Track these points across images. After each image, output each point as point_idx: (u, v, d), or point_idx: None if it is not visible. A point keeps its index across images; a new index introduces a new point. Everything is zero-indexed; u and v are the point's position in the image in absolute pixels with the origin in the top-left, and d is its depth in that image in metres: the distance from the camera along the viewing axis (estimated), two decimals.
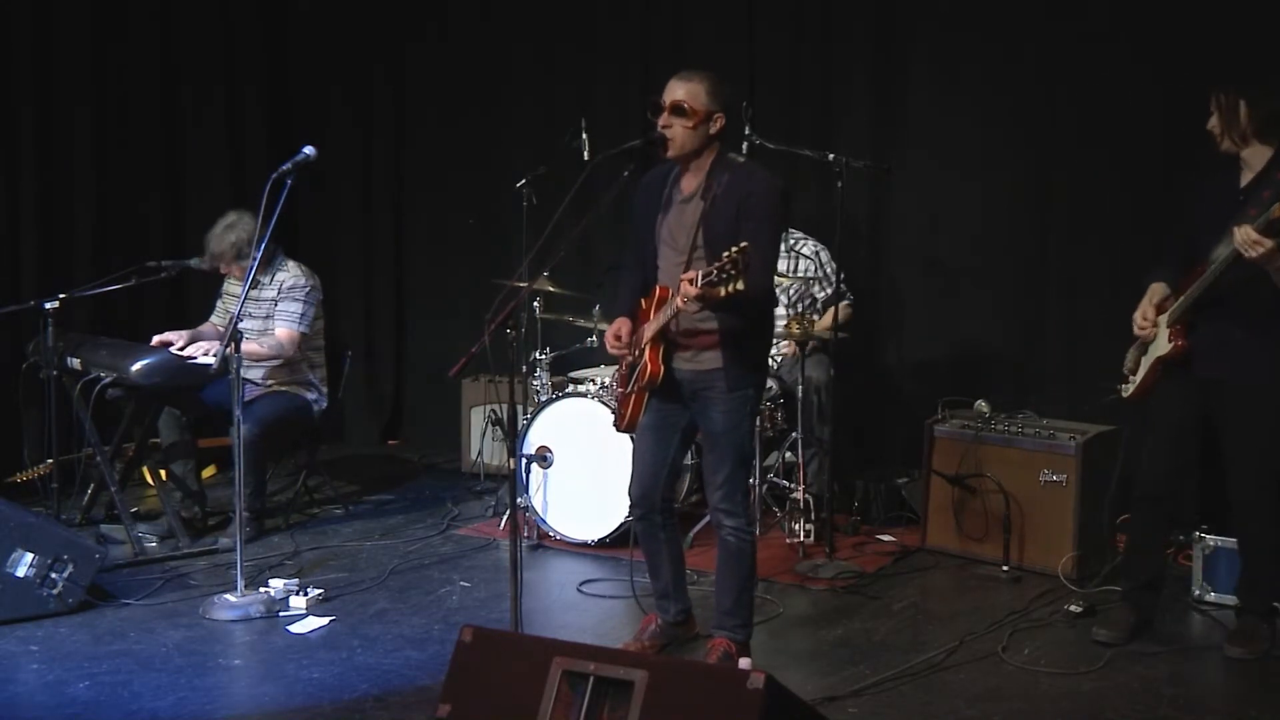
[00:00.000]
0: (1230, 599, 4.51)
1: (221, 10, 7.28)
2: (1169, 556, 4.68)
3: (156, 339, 5.56)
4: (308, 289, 5.68)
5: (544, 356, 5.93)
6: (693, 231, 3.87)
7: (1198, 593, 4.71)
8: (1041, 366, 5.92)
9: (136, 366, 5.22)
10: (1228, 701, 3.99)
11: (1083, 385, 5.38)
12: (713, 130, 3.87)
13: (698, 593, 4.48)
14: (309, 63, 7.67)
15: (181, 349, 5.48)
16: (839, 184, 5.27)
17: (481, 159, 7.35)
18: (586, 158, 5.87)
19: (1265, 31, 5.10)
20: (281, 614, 4.59)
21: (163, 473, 5.74)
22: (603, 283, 5.96)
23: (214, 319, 5.94)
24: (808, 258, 5.94)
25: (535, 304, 5.93)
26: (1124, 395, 4.42)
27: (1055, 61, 5.73)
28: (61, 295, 5.36)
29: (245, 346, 5.11)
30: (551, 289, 5.75)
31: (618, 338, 4.05)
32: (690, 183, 3.94)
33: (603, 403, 5.30)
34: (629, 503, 4.25)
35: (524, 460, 5.34)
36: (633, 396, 4.03)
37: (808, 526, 5.32)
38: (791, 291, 5.90)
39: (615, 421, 4.17)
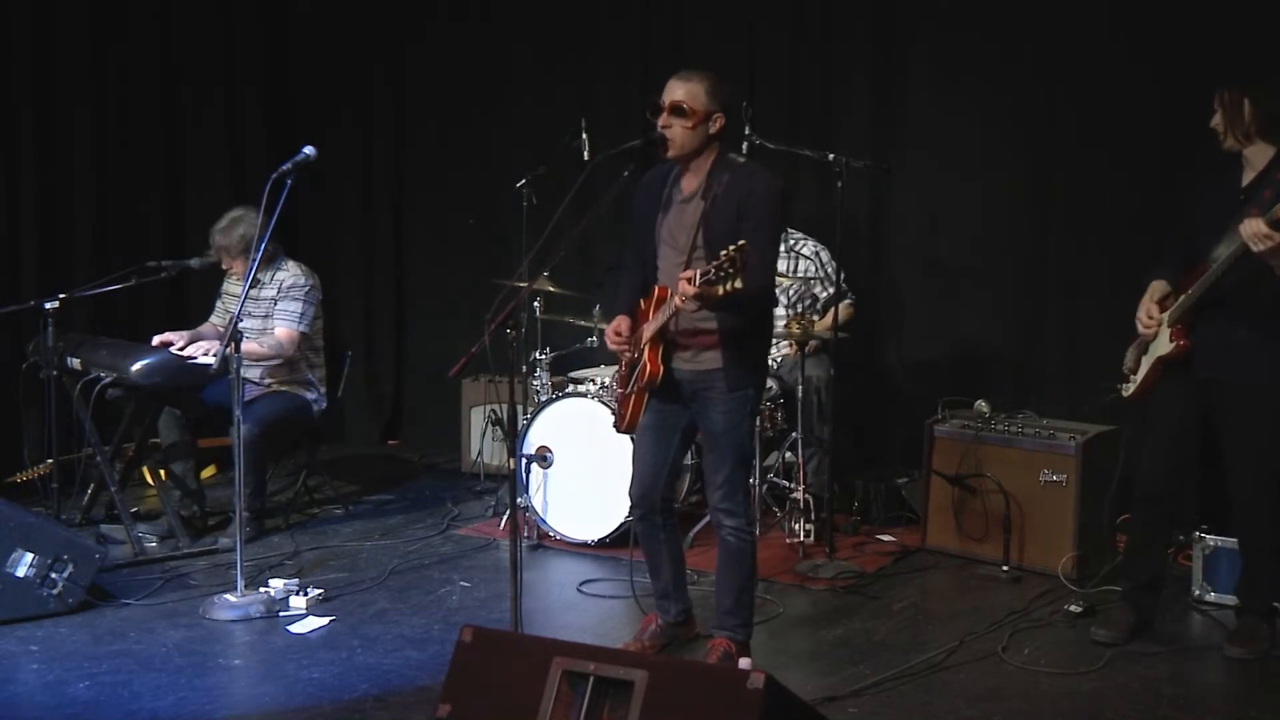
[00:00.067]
0: (1230, 599, 4.51)
1: (221, 10, 7.28)
2: (1169, 556, 4.67)
3: (157, 339, 5.56)
4: (307, 288, 5.68)
5: (544, 356, 5.93)
6: (693, 231, 3.87)
7: (1198, 593, 4.71)
8: (1041, 366, 5.91)
9: (136, 366, 5.22)
10: (1228, 701, 3.99)
11: (1083, 385, 5.39)
12: (712, 130, 3.87)
13: (698, 593, 4.48)
14: (309, 63, 7.67)
15: (182, 349, 5.49)
16: (839, 184, 5.27)
17: (481, 159, 7.35)
18: (586, 158, 5.87)
19: (1266, 31, 5.10)
20: (281, 614, 4.59)
21: (163, 473, 5.74)
22: (603, 283, 5.96)
23: (214, 319, 5.94)
24: (808, 258, 5.94)
25: (535, 304, 5.94)
26: (1124, 395, 4.42)
27: (1055, 61, 5.73)
28: (61, 295, 5.36)
29: (245, 346, 5.11)
30: (551, 289, 5.75)
31: (618, 334, 4.05)
32: (690, 183, 3.94)
33: (603, 403, 5.30)
34: (629, 503, 4.24)
35: (524, 460, 5.34)
36: (632, 397, 4.03)
37: (808, 526, 5.33)
38: (791, 292, 5.90)
39: (615, 422, 4.17)
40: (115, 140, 6.83)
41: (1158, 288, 4.29)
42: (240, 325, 4.68)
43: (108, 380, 5.28)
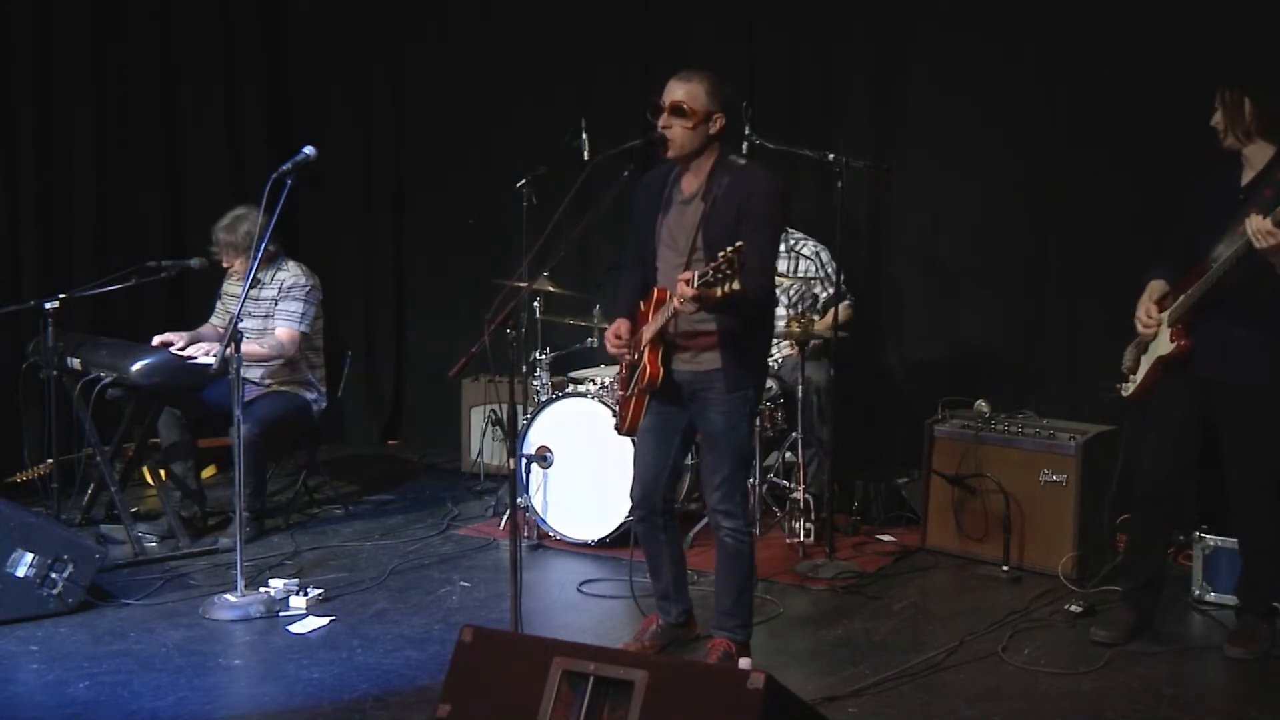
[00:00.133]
0: (1230, 599, 4.51)
1: (221, 10, 7.28)
2: (1169, 556, 4.67)
3: (157, 339, 5.56)
4: (308, 288, 5.68)
5: (544, 356, 5.93)
6: (693, 233, 3.86)
7: (1198, 593, 4.71)
8: (1041, 366, 5.91)
9: (136, 366, 5.22)
10: (1228, 701, 3.99)
11: (1083, 385, 5.39)
12: (712, 130, 3.87)
13: (698, 593, 4.48)
14: (309, 63, 7.68)
15: (182, 349, 5.49)
16: (839, 184, 5.27)
17: (481, 159, 7.35)
18: (586, 158, 5.87)
19: (1266, 31, 5.10)
20: (281, 614, 4.59)
21: (163, 473, 5.74)
22: (603, 283, 5.96)
23: (214, 319, 5.94)
24: (808, 258, 5.94)
25: (535, 304, 5.94)
26: (1124, 394, 4.42)
27: (1055, 61, 5.72)
28: (61, 295, 5.36)
29: (246, 347, 5.11)
30: (551, 289, 5.75)
31: (617, 337, 4.05)
32: (691, 184, 3.94)
33: (603, 403, 5.30)
34: (630, 504, 4.25)
35: (524, 460, 5.34)
36: (633, 399, 4.03)
37: (808, 526, 5.33)
38: (792, 292, 5.90)
39: (616, 424, 4.18)
40: (115, 140, 6.83)
41: (1156, 287, 4.29)
42: (240, 325, 4.68)
43: (108, 380, 5.28)
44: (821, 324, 5.69)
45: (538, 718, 2.90)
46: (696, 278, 3.58)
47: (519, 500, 4.91)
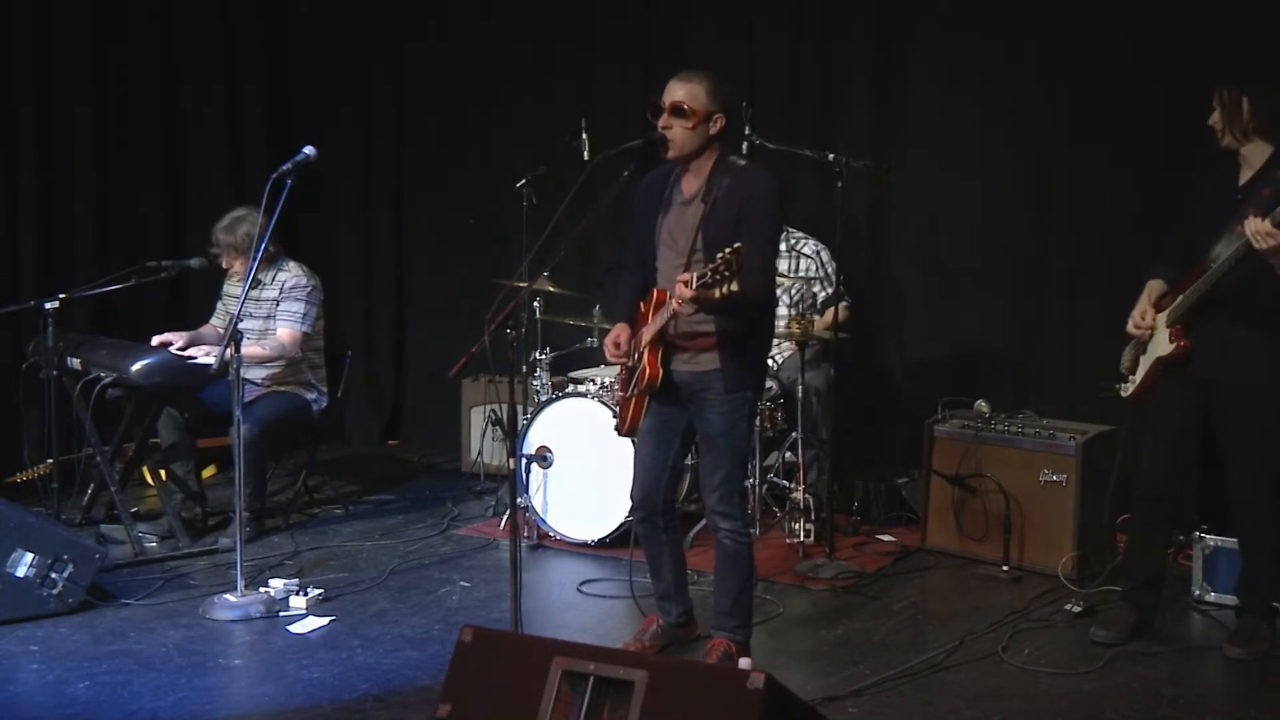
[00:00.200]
0: (1230, 599, 4.51)
1: (221, 10, 7.28)
2: (1169, 556, 4.67)
3: (156, 339, 5.56)
4: (309, 289, 5.68)
5: (544, 356, 5.93)
6: (692, 234, 3.86)
7: (1198, 593, 4.71)
8: (1041, 366, 5.91)
9: (136, 366, 5.22)
10: (1228, 701, 4.00)
11: (1083, 385, 5.39)
12: (713, 130, 3.87)
13: (698, 593, 4.48)
14: (309, 63, 7.68)
15: (181, 349, 5.49)
16: (839, 184, 5.27)
17: (481, 159, 7.35)
18: (586, 158, 5.87)
19: (1266, 31, 5.10)
20: (281, 614, 4.60)
21: (163, 473, 5.74)
22: (603, 283, 5.96)
23: (214, 320, 5.94)
24: (809, 257, 5.94)
25: (535, 304, 5.94)
26: (1123, 395, 4.42)
27: (1055, 61, 5.73)
28: (61, 295, 5.36)
29: (247, 349, 5.12)
30: (551, 289, 5.75)
31: (616, 345, 4.05)
32: (691, 184, 3.94)
33: (603, 403, 5.30)
34: (631, 505, 4.25)
35: (524, 460, 5.34)
36: (633, 400, 4.03)
37: (808, 526, 5.33)
38: (794, 291, 5.90)
39: (616, 425, 4.18)
40: (115, 140, 6.83)
41: (1155, 287, 4.29)
42: (241, 326, 4.68)
43: (108, 380, 5.28)
44: (820, 323, 5.69)
45: (538, 718, 2.90)
46: (695, 279, 3.58)
47: (519, 500, 4.91)
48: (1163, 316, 4.22)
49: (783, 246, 5.85)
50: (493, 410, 6.54)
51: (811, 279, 5.92)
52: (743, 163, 4.02)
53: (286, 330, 5.63)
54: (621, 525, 5.19)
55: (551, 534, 5.47)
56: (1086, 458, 5.05)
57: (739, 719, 2.72)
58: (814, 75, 6.37)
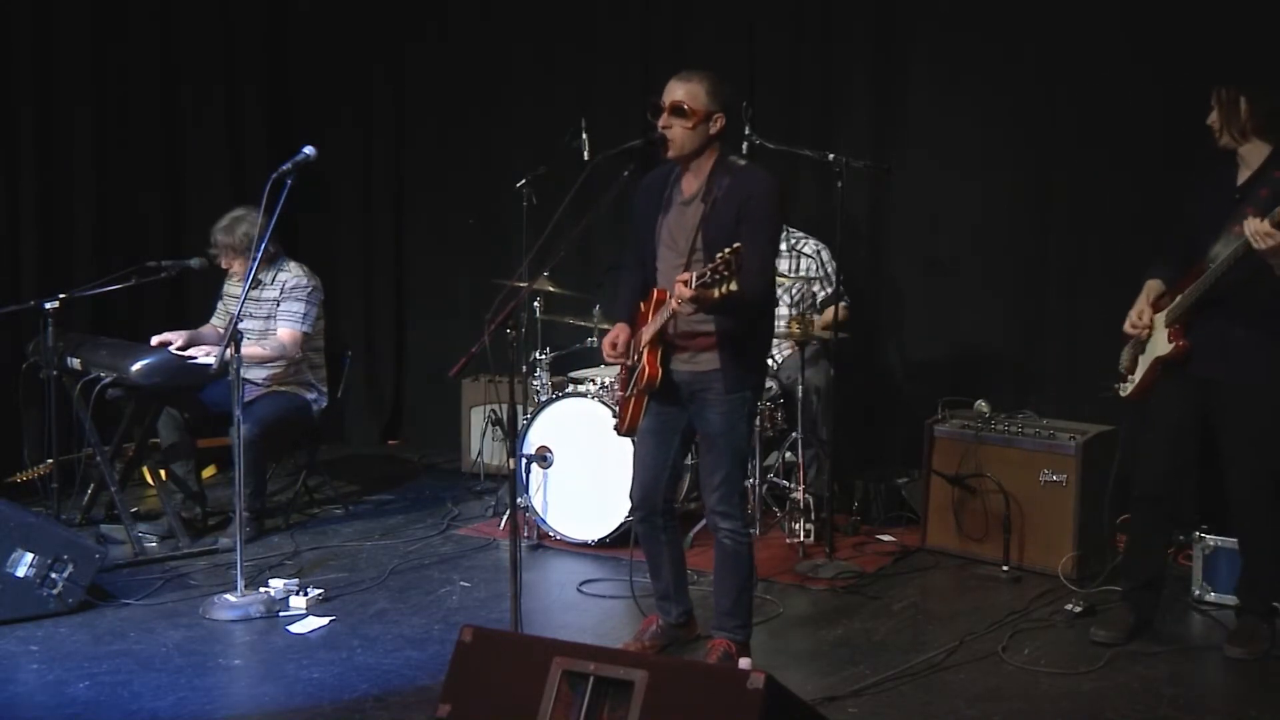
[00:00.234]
0: (1230, 599, 4.51)
1: (221, 10, 7.28)
2: (1169, 556, 4.67)
3: (156, 339, 5.56)
4: (310, 289, 5.68)
5: (544, 356, 5.93)
6: (692, 234, 3.86)
7: (1198, 593, 4.71)
8: (1041, 366, 5.91)
9: (136, 366, 5.22)
10: (1228, 701, 4.00)
11: (1082, 385, 5.39)
12: (713, 130, 3.87)
13: (698, 593, 4.48)
14: (309, 63, 7.67)
15: (181, 349, 5.49)
16: (839, 184, 5.27)
17: (481, 159, 7.35)
18: (586, 158, 5.87)
19: (1266, 31, 5.10)
20: (281, 614, 4.60)
21: (163, 473, 5.74)
22: (603, 283, 5.96)
23: (215, 320, 5.94)
24: (809, 257, 5.94)
25: (535, 304, 5.94)
26: (1122, 394, 4.42)
27: (1055, 61, 5.73)
28: (61, 295, 5.36)
29: (247, 350, 5.12)
30: (551, 289, 5.75)
31: (614, 345, 4.05)
32: (691, 184, 3.94)
33: (603, 403, 5.30)
34: (630, 505, 4.24)
35: (524, 460, 5.34)
36: (632, 400, 4.03)
37: (808, 526, 5.33)
38: (794, 291, 5.90)
39: (616, 425, 4.18)
40: (115, 140, 6.83)
41: (1153, 287, 4.30)
42: (241, 326, 4.68)
43: (108, 380, 5.28)
44: (819, 322, 5.69)
45: (538, 718, 2.90)
46: (694, 278, 3.58)
47: (519, 500, 4.91)
48: (1161, 316, 4.22)
49: (783, 246, 5.85)
50: (493, 410, 6.54)
51: (812, 279, 5.92)
52: (743, 163, 4.02)
53: (287, 330, 5.63)
54: (621, 525, 5.19)
55: (551, 534, 5.47)
56: (1086, 458, 5.05)
57: (739, 719, 2.72)
58: (814, 75, 6.37)
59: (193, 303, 6.75)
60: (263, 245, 4.81)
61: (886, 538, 5.55)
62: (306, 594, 4.69)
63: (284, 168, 4.59)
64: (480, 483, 6.51)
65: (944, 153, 6.02)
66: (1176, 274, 4.21)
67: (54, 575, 4.51)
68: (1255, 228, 3.80)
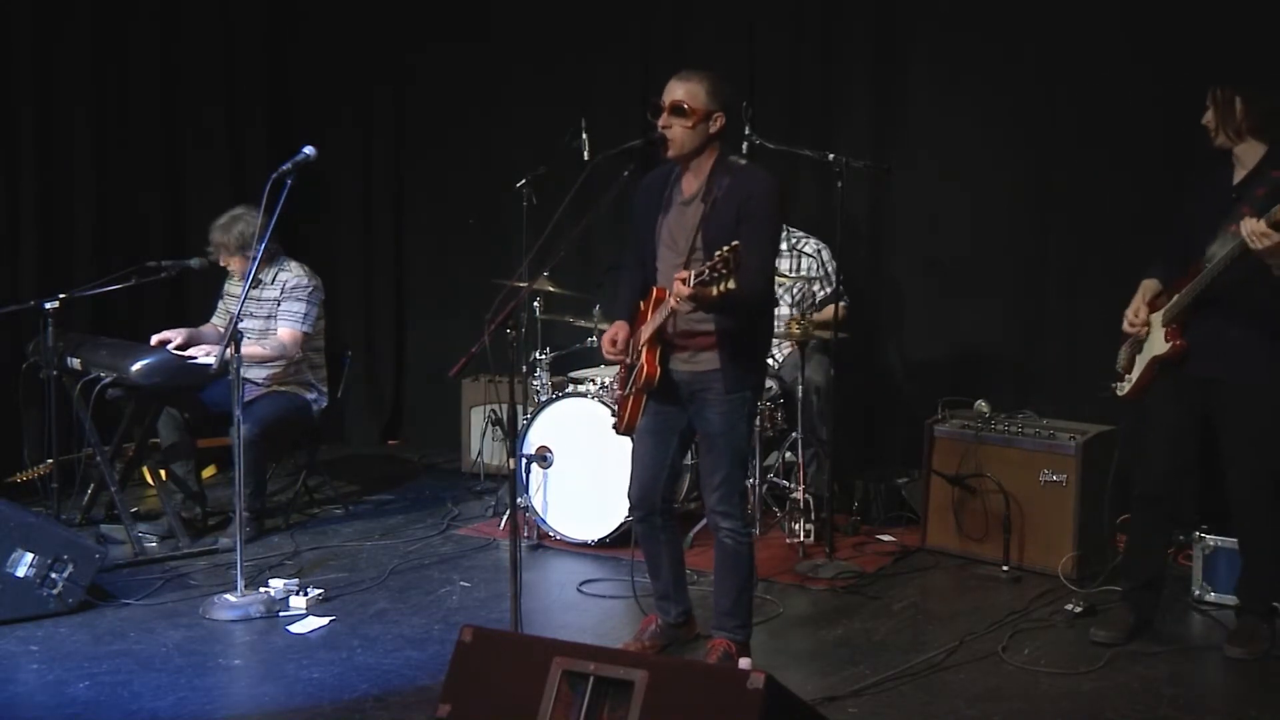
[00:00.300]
0: (1230, 599, 4.51)
1: (221, 11, 7.28)
2: (1169, 556, 4.67)
3: (155, 338, 5.56)
4: (310, 289, 5.68)
5: (544, 356, 5.93)
6: (692, 233, 3.86)
7: (1198, 593, 4.71)
8: (1041, 366, 5.91)
9: (136, 366, 5.22)
10: (1228, 701, 4.00)
11: (1082, 385, 5.38)
12: (712, 130, 3.87)
13: (698, 593, 4.48)
14: (309, 63, 7.67)
15: (180, 347, 5.49)
16: (839, 184, 5.27)
17: (481, 159, 7.35)
18: (586, 158, 5.87)
19: (1265, 31, 5.10)
20: (281, 614, 4.60)
21: (163, 473, 5.74)
22: (603, 283, 5.96)
23: (215, 320, 5.94)
24: (810, 256, 5.94)
25: (535, 304, 5.94)
26: (1119, 394, 4.42)
27: (1055, 61, 5.73)
28: (61, 295, 5.36)
29: (247, 349, 5.12)
30: (551, 289, 5.75)
31: (614, 343, 4.05)
32: (691, 184, 3.94)
33: (603, 403, 5.30)
34: (628, 505, 4.24)
35: (524, 460, 5.34)
36: (631, 398, 4.03)
37: (808, 526, 5.33)
38: (795, 291, 5.90)
39: (614, 424, 4.17)
40: (115, 140, 6.83)
41: (1149, 286, 4.30)
42: (241, 326, 4.68)
43: (108, 380, 5.28)
44: (819, 316, 5.68)
45: (538, 718, 2.90)
46: (693, 276, 3.58)
47: (519, 500, 4.91)
48: (1158, 316, 4.22)
49: (784, 246, 5.86)
50: (493, 410, 6.54)
51: (812, 279, 5.92)
52: (743, 162, 4.02)
53: (287, 330, 5.63)
54: (622, 525, 5.19)
55: (551, 534, 5.47)
56: (1086, 458, 5.05)
57: (739, 719, 2.72)
58: (814, 75, 6.37)
59: (193, 303, 6.75)
60: (263, 245, 4.81)
61: (886, 538, 5.55)
62: (306, 594, 4.69)
63: (284, 168, 4.59)
64: (480, 483, 6.52)
65: (944, 153, 6.02)
66: (1173, 273, 4.21)
67: (54, 575, 4.51)
68: (1252, 228, 3.80)
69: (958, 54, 5.97)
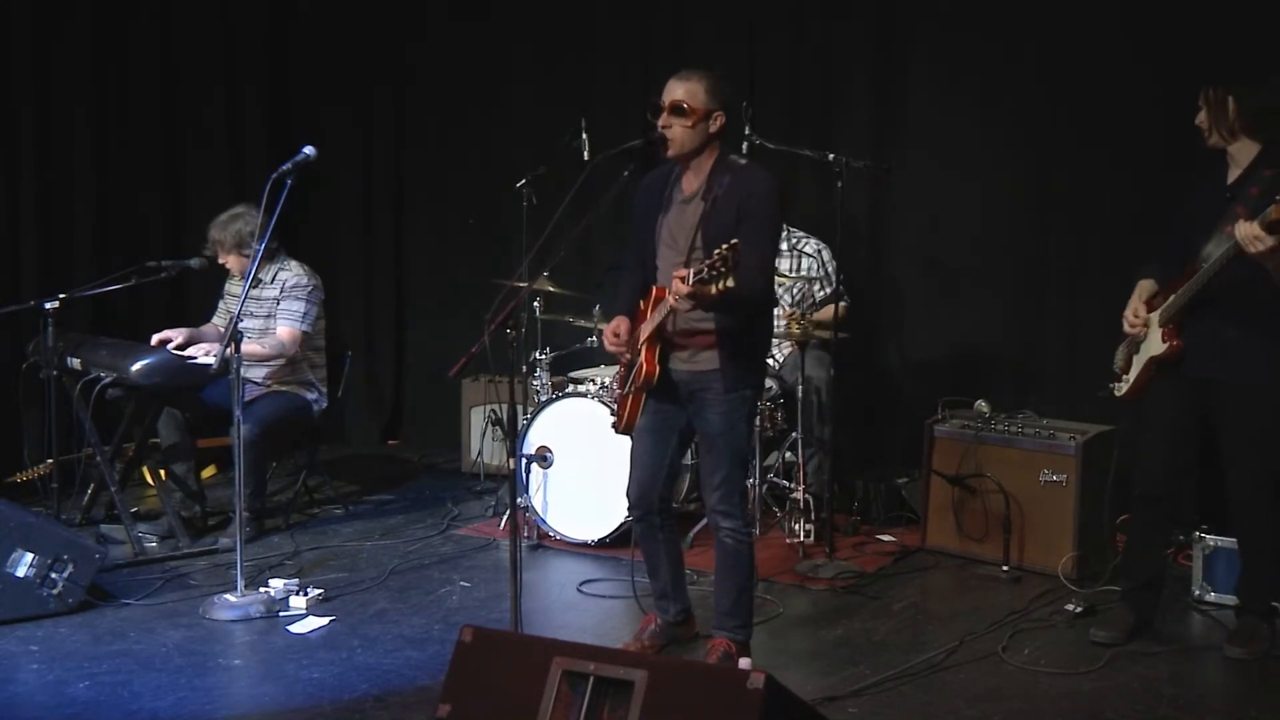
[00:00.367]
0: (1230, 599, 4.51)
1: (221, 10, 7.28)
2: (1169, 556, 4.68)
3: (155, 337, 5.56)
4: (310, 288, 5.68)
5: (544, 356, 5.93)
6: (692, 233, 3.86)
7: (1198, 593, 4.71)
8: (1041, 366, 5.92)
9: (136, 366, 5.22)
10: (1228, 701, 4.00)
11: (1082, 385, 5.38)
12: (712, 129, 3.87)
13: (698, 593, 4.48)
14: (309, 62, 7.68)
15: (180, 346, 5.49)
16: (839, 184, 5.28)
17: (481, 159, 7.35)
18: (586, 158, 5.87)
19: (1265, 31, 5.10)
20: (281, 614, 4.60)
21: (163, 473, 5.74)
22: (603, 283, 5.96)
23: (216, 319, 5.94)
24: (810, 256, 5.94)
25: (535, 304, 5.94)
26: (1117, 394, 4.42)
27: (1055, 61, 5.73)
28: (61, 295, 5.36)
29: (247, 347, 5.11)
30: (551, 289, 5.75)
31: (615, 335, 4.05)
32: (691, 183, 3.94)
33: (603, 403, 5.30)
34: (627, 504, 4.24)
35: (524, 460, 5.34)
36: (630, 397, 4.03)
37: (808, 526, 5.33)
38: (795, 290, 5.90)
39: (614, 423, 4.17)
40: (115, 140, 6.83)
41: (1146, 287, 4.30)
42: (241, 325, 4.68)
43: (108, 380, 5.28)
44: (819, 315, 5.68)
45: (538, 718, 2.90)
46: (691, 274, 3.58)
47: (519, 500, 4.91)
48: (1155, 316, 4.22)
49: (784, 246, 5.86)
50: (493, 410, 6.54)
51: (812, 278, 5.92)
52: (743, 162, 4.01)
53: (287, 329, 5.63)
54: (622, 525, 5.19)
55: (551, 534, 5.47)
56: (1086, 458, 5.04)
57: (739, 719, 2.72)
58: (814, 75, 6.37)
59: (193, 303, 6.75)
60: (263, 244, 4.81)
61: (886, 538, 5.55)
62: (306, 594, 4.69)
63: (284, 168, 4.59)
64: (480, 483, 6.52)
65: (944, 153, 6.02)
66: (1170, 273, 4.21)
67: (54, 575, 4.51)
68: (1246, 232, 3.80)
69: (958, 54, 5.97)
